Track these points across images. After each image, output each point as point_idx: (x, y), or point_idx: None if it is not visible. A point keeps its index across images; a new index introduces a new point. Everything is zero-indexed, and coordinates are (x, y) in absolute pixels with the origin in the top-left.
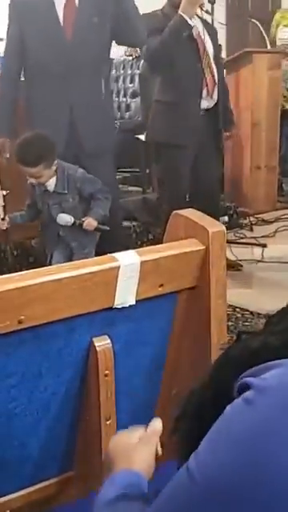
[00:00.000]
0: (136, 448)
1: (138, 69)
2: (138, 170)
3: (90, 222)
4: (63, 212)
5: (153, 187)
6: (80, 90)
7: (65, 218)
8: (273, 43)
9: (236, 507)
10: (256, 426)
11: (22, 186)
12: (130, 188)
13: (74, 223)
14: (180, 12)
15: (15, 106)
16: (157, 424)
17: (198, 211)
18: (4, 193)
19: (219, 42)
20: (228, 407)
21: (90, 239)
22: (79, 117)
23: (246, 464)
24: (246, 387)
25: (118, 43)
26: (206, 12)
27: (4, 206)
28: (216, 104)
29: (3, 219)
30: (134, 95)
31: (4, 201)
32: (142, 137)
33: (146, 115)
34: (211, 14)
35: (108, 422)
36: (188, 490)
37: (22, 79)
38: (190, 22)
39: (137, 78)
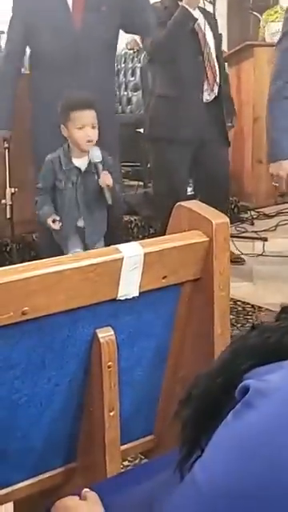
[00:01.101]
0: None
1: (140, 62)
2: (138, 164)
3: (107, 176)
4: (87, 195)
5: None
6: (87, 80)
7: (96, 152)
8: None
9: None
10: (262, 430)
11: (29, 184)
12: (131, 182)
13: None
14: (183, 4)
15: (13, 101)
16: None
17: (201, 203)
18: (12, 190)
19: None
20: (230, 414)
21: (102, 227)
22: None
23: (255, 470)
24: (246, 390)
25: (127, 32)
26: (210, 2)
27: (11, 205)
28: (217, 96)
29: (54, 221)
30: (135, 89)
31: (12, 199)
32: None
33: (146, 109)
34: (213, 3)
35: (111, 414)
36: (196, 503)
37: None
38: (194, 13)
39: (138, 72)
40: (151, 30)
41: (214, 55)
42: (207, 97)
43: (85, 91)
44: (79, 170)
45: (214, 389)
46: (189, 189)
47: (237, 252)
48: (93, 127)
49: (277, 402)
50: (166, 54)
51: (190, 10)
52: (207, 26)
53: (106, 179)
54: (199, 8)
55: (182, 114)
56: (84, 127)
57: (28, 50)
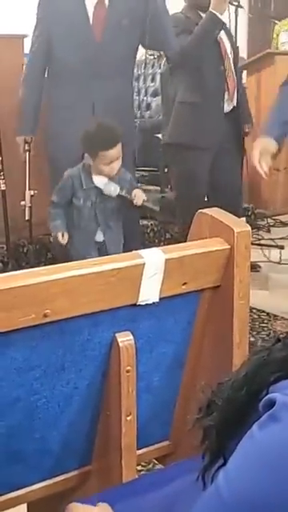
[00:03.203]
0: None
1: (160, 68)
2: (156, 169)
3: (139, 194)
4: (106, 212)
5: (171, 186)
6: (104, 91)
7: (111, 187)
8: None
9: None
10: (287, 443)
11: (48, 186)
12: (149, 187)
13: (119, 194)
14: (211, 9)
15: (39, 105)
16: None
17: (222, 210)
18: (32, 193)
19: (241, 43)
20: (255, 426)
21: (120, 239)
22: (101, 117)
23: (280, 484)
24: (272, 404)
25: (146, 47)
26: (238, 6)
27: (30, 208)
28: (235, 107)
29: (63, 235)
30: (154, 94)
31: (31, 201)
32: (161, 135)
33: (166, 115)
34: (240, 6)
35: (128, 418)
36: None
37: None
38: (221, 18)
39: (158, 77)
40: (171, 47)
41: (232, 65)
42: (227, 107)
43: (100, 101)
44: (99, 190)
45: (237, 399)
46: None
47: (253, 259)
48: (118, 158)
49: None
50: (192, 61)
51: (218, 14)
52: (225, 37)
53: (138, 199)
54: None
55: (205, 121)
56: (112, 163)
57: None
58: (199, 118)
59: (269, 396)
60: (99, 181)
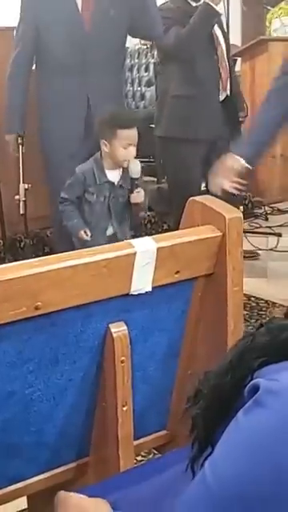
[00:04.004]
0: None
1: (153, 57)
2: (152, 159)
3: (140, 194)
4: (118, 206)
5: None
6: (97, 82)
7: (137, 167)
8: None
9: None
10: (273, 429)
11: (43, 180)
12: (145, 178)
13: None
14: (206, 0)
15: (25, 101)
16: None
17: (214, 197)
18: (26, 186)
19: (235, 30)
20: (240, 412)
21: (127, 231)
22: (96, 109)
23: (261, 471)
24: (256, 389)
25: (133, 36)
26: None
27: (25, 201)
28: (229, 95)
29: (86, 232)
30: (148, 84)
31: (25, 195)
32: None
33: (159, 108)
34: None
35: (124, 408)
36: (206, 501)
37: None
38: (217, 8)
39: (151, 67)
40: (158, 33)
41: (225, 53)
42: (220, 96)
43: (93, 92)
44: (112, 184)
45: (222, 386)
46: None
47: (251, 247)
48: (134, 146)
49: (286, 402)
50: (187, 54)
51: (213, 5)
52: (216, 25)
53: (137, 198)
54: None
55: (202, 114)
56: (129, 146)
57: None
58: (196, 111)
59: (253, 382)
60: (113, 175)
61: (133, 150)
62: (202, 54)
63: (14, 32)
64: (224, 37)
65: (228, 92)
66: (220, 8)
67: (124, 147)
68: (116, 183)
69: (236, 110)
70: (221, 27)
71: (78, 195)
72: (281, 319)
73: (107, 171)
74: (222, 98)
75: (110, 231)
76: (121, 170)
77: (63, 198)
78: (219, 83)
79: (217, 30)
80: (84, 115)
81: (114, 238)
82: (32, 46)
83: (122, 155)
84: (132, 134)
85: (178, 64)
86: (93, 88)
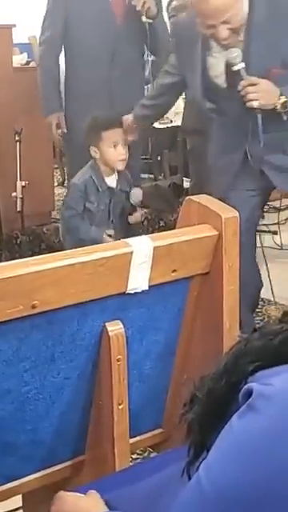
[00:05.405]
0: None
1: (150, 56)
2: (149, 157)
3: (138, 215)
4: (116, 212)
5: (164, 174)
6: (122, 76)
7: (138, 195)
8: None
9: None
10: (266, 433)
11: (40, 177)
12: (142, 175)
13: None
14: None
15: (58, 82)
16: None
17: (211, 197)
18: (23, 184)
19: None
20: (234, 416)
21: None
22: (119, 105)
23: (260, 474)
24: (250, 393)
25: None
26: None
27: (22, 199)
28: None
29: (110, 236)
30: (146, 82)
31: (22, 192)
32: (154, 124)
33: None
34: None
35: (120, 407)
36: (200, 504)
37: None
38: None
39: (149, 65)
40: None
41: None
42: None
43: (117, 86)
44: (112, 190)
45: (217, 391)
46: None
47: None
48: (123, 146)
49: (279, 406)
50: None
51: None
52: None
53: (136, 219)
54: None
55: None
56: (117, 145)
57: None
58: None
59: (247, 386)
60: (110, 181)
61: (121, 149)
62: None
63: (12, 30)
64: None
65: None
66: None
67: (111, 147)
68: (115, 188)
69: None
70: None
71: (83, 206)
72: (274, 324)
73: (105, 178)
74: None
75: (110, 232)
76: (116, 174)
77: (72, 216)
78: None
79: None
80: (107, 106)
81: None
82: (61, 33)
83: (113, 155)
84: (117, 132)
85: None
86: (118, 81)
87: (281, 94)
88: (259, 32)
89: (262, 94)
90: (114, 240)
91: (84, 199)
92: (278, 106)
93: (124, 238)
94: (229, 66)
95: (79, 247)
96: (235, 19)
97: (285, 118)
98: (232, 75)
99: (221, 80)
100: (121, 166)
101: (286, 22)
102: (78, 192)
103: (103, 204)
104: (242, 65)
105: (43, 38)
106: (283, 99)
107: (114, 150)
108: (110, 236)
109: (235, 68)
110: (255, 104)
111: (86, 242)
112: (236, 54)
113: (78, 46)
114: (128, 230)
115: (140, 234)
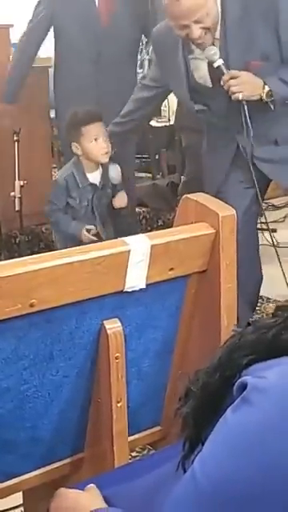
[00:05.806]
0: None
1: (148, 54)
2: (147, 156)
3: (123, 199)
4: (102, 208)
5: (162, 173)
6: (109, 78)
7: (115, 173)
8: None
9: None
10: (260, 426)
11: (38, 176)
12: (140, 174)
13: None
14: None
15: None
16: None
17: (208, 195)
18: (21, 183)
19: None
20: (228, 410)
21: (111, 229)
22: (106, 104)
23: (255, 468)
24: (244, 387)
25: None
26: None
27: (20, 198)
28: None
29: (89, 231)
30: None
31: (20, 192)
32: (152, 122)
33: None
34: None
35: (119, 405)
36: (195, 498)
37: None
38: None
39: (146, 64)
40: None
41: None
42: None
43: (105, 87)
44: (94, 186)
45: (212, 385)
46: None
47: None
48: (105, 139)
49: (273, 399)
50: None
51: None
52: None
53: (120, 202)
54: None
55: None
56: (98, 139)
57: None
58: None
59: (241, 379)
60: (93, 177)
61: (103, 143)
62: None
63: (10, 30)
64: None
65: None
66: None
67: (92, 141)
68: (98, 184)
69: None
70: None
71: (65, 201)
72: (268, 318)
73: (88, 174)
74: None
75: (93, 231)
76: (101, 170)
77: (52, 210)
78: None
79: None
80: (94, 103)
81: (98, 238)
82: (44, 28)
83: (94, 149)
84: (97, 127)
85: None
86: (104, 81)
87: (265, 84)
88: (234, 28)
89: (244, 85)
90: (97, 235)
91: (66, 195)
92: (264, 96)
93: (115, 232)
94: (210, 64)
95: (68, 242)
96: (207, 18)
97: (272, 107)
98: (215, 73)
99: (206, 80)
100: (104, 159)
101: (261, 15)
102: (58, 188)
103: (85, 200)
104: (221, 61)
105: (27, 29)
106: (267, 89)
107: (95, 144)
108: (88, 231)
109: (215, 64)
110: (240, 96)
111: (68, 235)
112: (213, 51)
113: (63, 48)
114: (119, 224)
115: (137, 233)
